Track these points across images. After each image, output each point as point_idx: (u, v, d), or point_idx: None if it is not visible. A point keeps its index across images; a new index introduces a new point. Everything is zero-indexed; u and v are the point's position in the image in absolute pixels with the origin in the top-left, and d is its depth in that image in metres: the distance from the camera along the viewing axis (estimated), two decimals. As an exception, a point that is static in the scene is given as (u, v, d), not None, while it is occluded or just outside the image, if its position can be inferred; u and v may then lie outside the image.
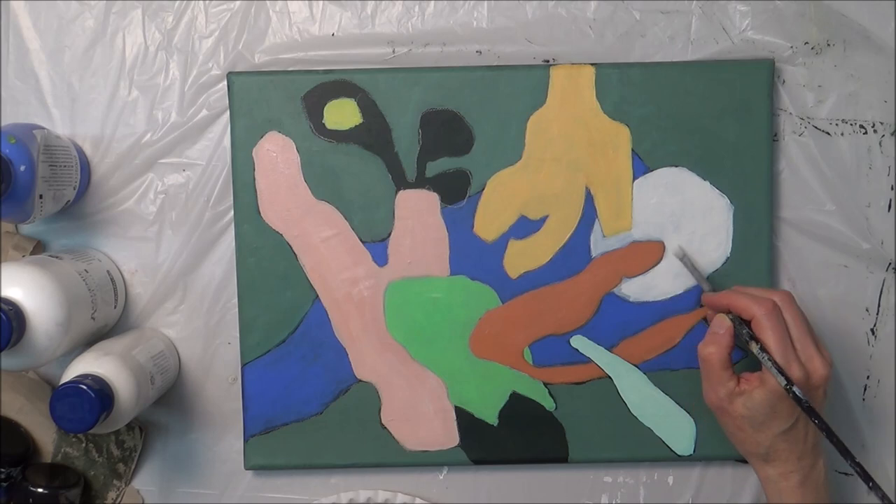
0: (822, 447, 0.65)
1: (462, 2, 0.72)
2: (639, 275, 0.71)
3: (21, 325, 0.59)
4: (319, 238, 0.71)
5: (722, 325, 0.65)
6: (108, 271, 0.70)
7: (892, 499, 0.59)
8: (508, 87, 0.70)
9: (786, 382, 0.61)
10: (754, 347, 0.63)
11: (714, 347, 0.64)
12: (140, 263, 0.72)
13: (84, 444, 0.72)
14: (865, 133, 0.72)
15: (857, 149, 0.72)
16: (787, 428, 0.63)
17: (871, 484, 0.59)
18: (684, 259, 0.70)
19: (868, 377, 0.74)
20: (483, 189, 0.71)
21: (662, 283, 0.71)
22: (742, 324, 0.64)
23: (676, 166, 0.71)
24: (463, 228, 0.71)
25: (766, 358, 0.62)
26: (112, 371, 0.63)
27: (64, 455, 0.72)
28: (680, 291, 0.71)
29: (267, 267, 0.71)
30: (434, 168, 0.71)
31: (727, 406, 0.64)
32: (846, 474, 0.74)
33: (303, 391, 0.71)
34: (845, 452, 0.60)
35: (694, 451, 0.72)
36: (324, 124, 0.70)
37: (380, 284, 0.71)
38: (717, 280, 0.71)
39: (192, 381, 0.73)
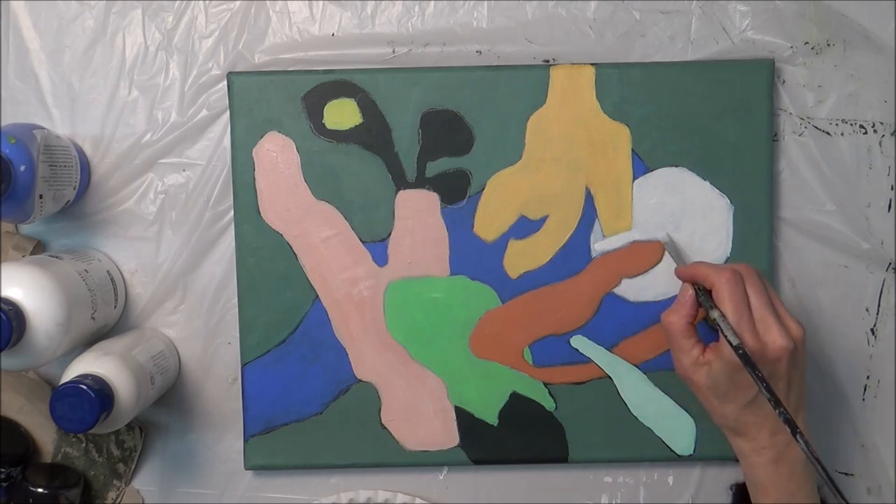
0: (803, 425, 0.64)
1: (462, 2, 0.72)
2: (639, 275, 0.71)
3: (21, 325, 0.59)
4: (319, 238, 0.71)
5: (685, 294, 0.65)
6: (108, 271, 0.70)
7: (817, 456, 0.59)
8: (508, 87, 0.70)
9: (736, 344, 0.60)
10: (714, 314, 0.62)
11: (675, 315, 0.64)
12: (140, 263, 0.72)
13: (84, 444, 0.73)
14: (865, 133, 0.72)
15: (857, 149, 0.72)
16: (750, 399, 0.62)
17: (797, 434, 0.59)
18: (667, 244, 0.70)
19: (868, 377, 0.74)
20: (483, 189, 0.71)
21: (662, 283, 0.71)
22: (705, 294, 0.64)
23: (676, 166, 0.71)
24: (463, 228, 0.71)
25: (722, 323, 0.62)
26: (112, 371, 0.63)
27: (64, 455, 0.72)
28: (680, 291, 0.71)
29: (267, 267, 0.71)
30: (434, 168, 0.71)
31: (692, 376, 0.64)
32: (846, 474, 0.74)
33: (303, 391, 0.71)
34: (777, 403, 0.59)
35: (694, 451, 0.72)
36: (324, 124, 0.70)
37: (380, 284, 0.71)
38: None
39: (192, 381, 0.73)
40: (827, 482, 0.57)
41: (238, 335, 0.71)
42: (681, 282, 0.66)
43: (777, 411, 0.59)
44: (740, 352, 0.60)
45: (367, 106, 0.70)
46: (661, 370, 0.72)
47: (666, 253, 0.71)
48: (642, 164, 0.71)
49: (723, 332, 0.61)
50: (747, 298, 0.62)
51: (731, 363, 0.61)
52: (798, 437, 0.59)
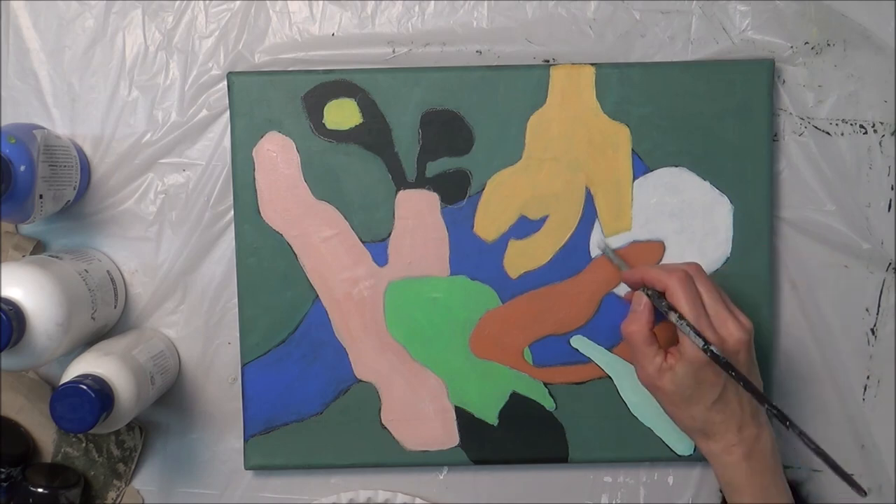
0: (765, 417, 0.65)
1: (462, 2, 0.72)
2: (639, 275, 0.71)
3: (21, 325, 0.59)
4: (319, 238, 0.71)
5: (640, 302, 0.65)
6: (108, 271, 0.70)
7: (815, 442, 0.60)
8: (508, 87, 0.70)
9: (703, 343, 0.61)
10: (672, 317, 0.63)
11: (636, 325, 0.65)
12: (140, 263, 0.72)
13: (84, 444, 0.73)
14: (865, 133, 0.72)
15: (857, 149, 0.72)
16: (715, 398, 0.63)
17: (787, 423, 0.60)
18: (606, 250, 0.70)
19: (868, 377, 0.74)
20: (483, 189, 0.71)
21: (662, 283, 0.71)
22: (659, 297, 0.64)
23: (676, 166, 0.71)
24: (463, 228, 0.71)
25: (683, 325, 0.62)
26: (112, 371, 0.63)
27: (64, 455, 0.72)
28: (680, 291, 0.71)
29: (267, 267, 0.71)
30: (434, 168, 0.71)
31: (658, 382, 0.64)
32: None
33: (303, 391, 0.71)
34: (761, 399, 0.61)
35: (694, 451, 0.72)
36: (324, 124, 0.70)
37: (380, 284, 0.71)
38: (716, 280, 0.71)
39: (192, 381, 0.73)
40: (831, 466, 0.59)
41: (238, 335, 0.71)
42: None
43: (764, 408, 0.61)
44: (709, 351, 0.61)
45: (367, 106, 0.70)
46: (661, 370, 0.72)
47: (666, 253, 0.71)
48: (642, 164, 0.71)
49: (685, 334, 0.62)
50: (700, 296, 0.63)
51: (695, 362, 0.62)
52: (790, 426, 0.60)
